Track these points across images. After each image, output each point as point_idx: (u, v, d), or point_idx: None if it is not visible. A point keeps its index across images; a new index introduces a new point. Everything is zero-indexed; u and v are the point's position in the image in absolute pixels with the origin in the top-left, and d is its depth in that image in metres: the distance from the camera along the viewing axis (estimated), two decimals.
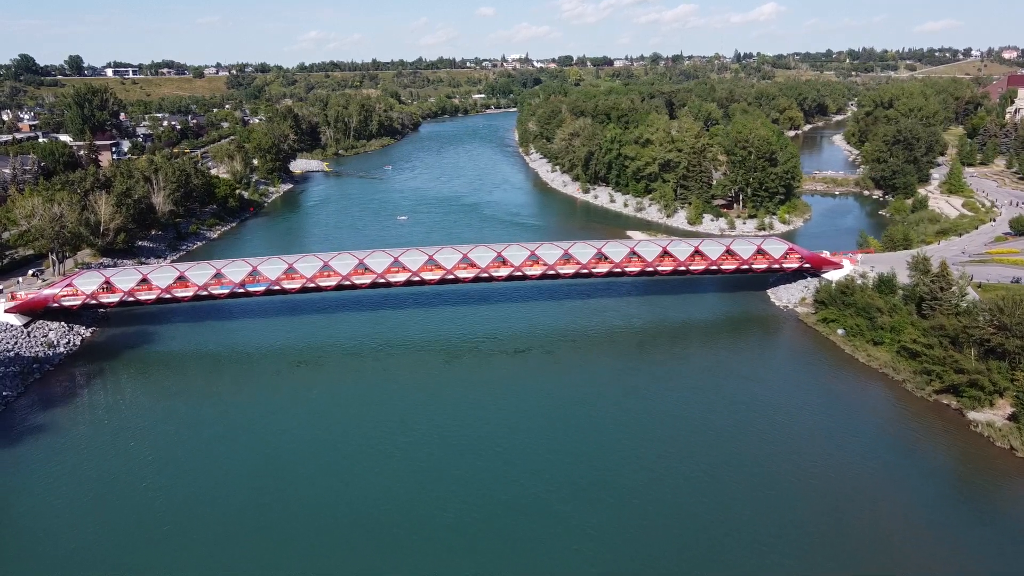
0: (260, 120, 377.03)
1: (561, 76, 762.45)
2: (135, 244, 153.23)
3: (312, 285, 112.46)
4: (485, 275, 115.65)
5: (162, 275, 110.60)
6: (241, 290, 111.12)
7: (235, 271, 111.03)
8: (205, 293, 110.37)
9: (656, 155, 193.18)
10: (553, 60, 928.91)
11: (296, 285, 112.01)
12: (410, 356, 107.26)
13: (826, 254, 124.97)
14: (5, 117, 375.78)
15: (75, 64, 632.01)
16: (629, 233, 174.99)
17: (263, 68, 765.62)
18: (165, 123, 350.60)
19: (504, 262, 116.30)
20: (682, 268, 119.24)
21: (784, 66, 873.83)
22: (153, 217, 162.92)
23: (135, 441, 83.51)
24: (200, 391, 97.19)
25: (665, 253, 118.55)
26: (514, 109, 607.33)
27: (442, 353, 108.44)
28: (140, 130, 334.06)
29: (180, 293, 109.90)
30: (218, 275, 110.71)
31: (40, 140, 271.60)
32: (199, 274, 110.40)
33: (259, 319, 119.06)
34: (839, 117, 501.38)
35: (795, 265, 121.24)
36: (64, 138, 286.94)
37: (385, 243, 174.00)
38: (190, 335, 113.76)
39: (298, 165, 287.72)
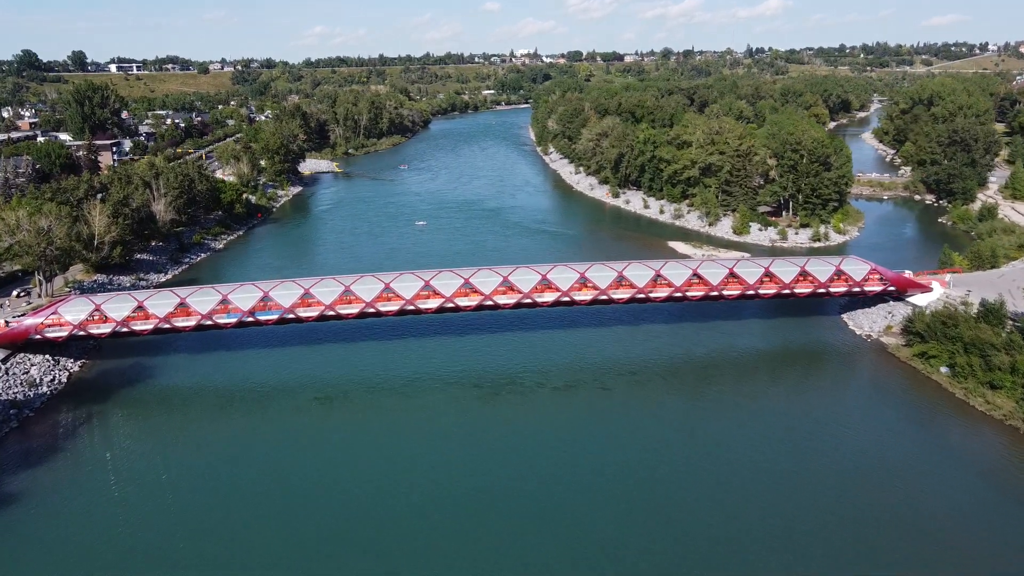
0: (266, 117, 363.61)
1: (571, 72, 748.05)
2: (133, 258, 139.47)
3: (332, 313, 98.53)
4: (528, 300, 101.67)
5: (160, 302, 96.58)
6: (251, 319, 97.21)
7: (243, 297, 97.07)
8: (210, 323, 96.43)
9: (696, 158, 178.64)
10: (562, 55, 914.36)
11: (313, 313, 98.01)
12: (443, 392, 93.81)
13: (908, 274, 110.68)
14: (5, 114, 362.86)
15: (78, 60, 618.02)
16: (671, 244, 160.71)
17: (268, 64, 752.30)
18: (168, 121, 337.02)
19: (549, 285, 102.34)
20: (751, 292, 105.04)
21: (797, 61, 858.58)
22: (153, 227, 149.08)
23: (130, 504, 70.67)
24: (206, 436, 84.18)
25: (732, 275, 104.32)
26: (525, 105, 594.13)
27: (479, 388, 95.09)
28: (143, 128, 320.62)
29: (181, 323, 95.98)
30: (224, 301, 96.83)
31: (39, 140, 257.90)
32: (203, 301, 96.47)
33: (272, 349, 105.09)
34: (862, 114, 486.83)
35: (878, 288, 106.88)
36: (64, 137, 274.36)
37: (405, 251, 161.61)
38: (194, 368, 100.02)
39: (307, 166, 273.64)
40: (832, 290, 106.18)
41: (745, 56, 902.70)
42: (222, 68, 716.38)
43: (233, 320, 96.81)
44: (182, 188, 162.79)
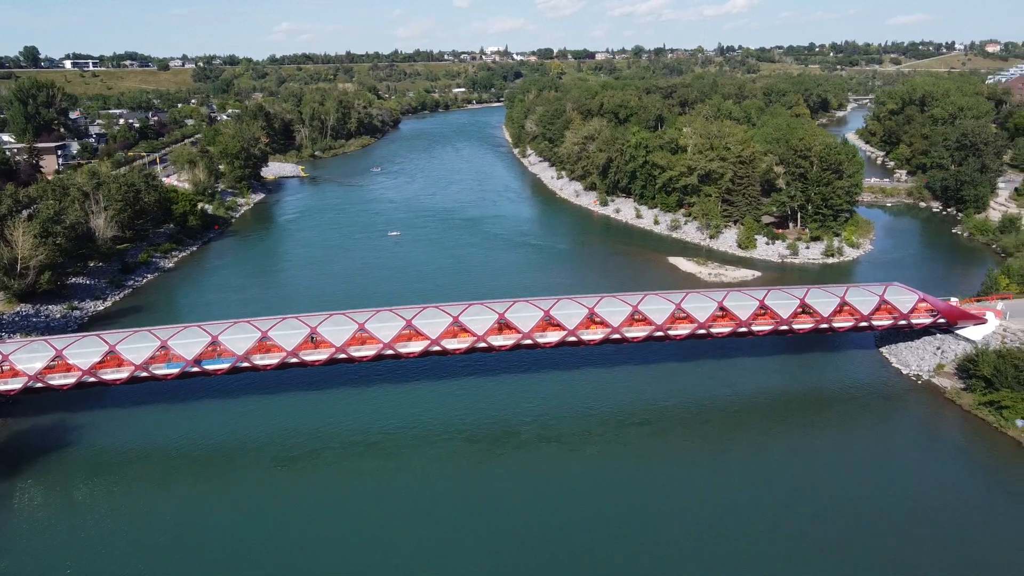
0: (228, 117, 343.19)
1: (543, 69, 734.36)
2: (66, 283, 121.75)
3: (295, 360, 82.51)
4: (528, 341, 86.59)
5: (85, 350, 79.55)
6: (196, 368, 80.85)
7: (187, 343, 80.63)
8: (146, 374, 79.83)
9: (695, 164, 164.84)
10: (533, 53, 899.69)
11: (273, 361, 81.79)
12: (429, 448, 79.20)
13: (955, 301, 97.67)
14: None
15: (31, 56, 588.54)
16: (672, 260, 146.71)
17: (232, 60, 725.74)
18: (121, 121, 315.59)
19: (551, 322, 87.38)
20: (784, 328, 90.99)
21: (768, 59, 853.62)
22: (91, 246, 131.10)
23: None
24: (144, 512, 68.94)
25: (763, 307, 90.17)
26: (497, 104, 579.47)
27: (471, 443, 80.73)
28: (93, 129, 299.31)
29: (111, 375, 79.15)
30: (164, 347, 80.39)
31: None
32: (137, 348, 79.72)
33: (223, 401, 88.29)
34: (840, 113, 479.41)
35: (927, 321, 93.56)
36: (7, 139, 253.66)
37: (380, 267, 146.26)
38: (129, 427, 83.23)
39: (271, 170, 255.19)
40: (875, 323, 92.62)
41: (716, 54, 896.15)
42: (183, 65, 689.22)
43: (175, 371, 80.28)
44: (127, 200, 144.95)
